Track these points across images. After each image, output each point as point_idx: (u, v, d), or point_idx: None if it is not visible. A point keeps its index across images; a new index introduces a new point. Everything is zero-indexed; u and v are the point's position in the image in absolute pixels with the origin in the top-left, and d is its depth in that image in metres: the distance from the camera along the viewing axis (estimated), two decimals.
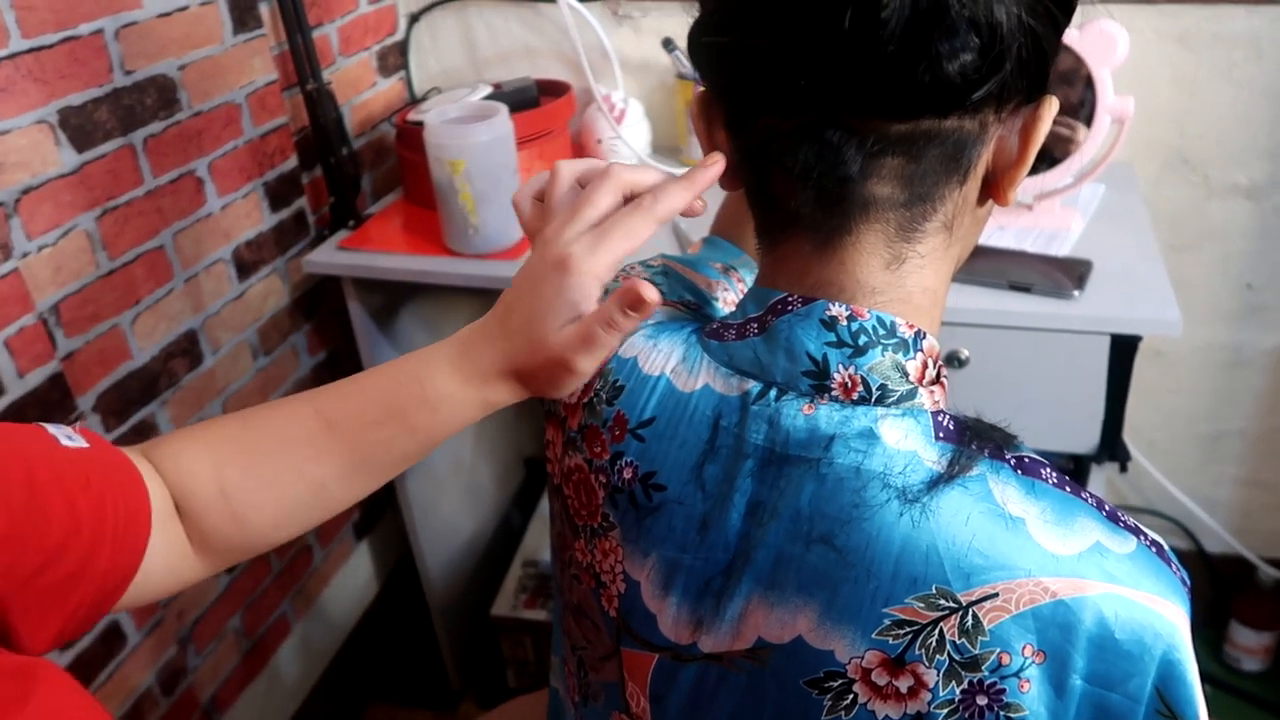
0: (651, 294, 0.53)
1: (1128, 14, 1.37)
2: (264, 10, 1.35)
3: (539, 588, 1.79)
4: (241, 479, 0.61)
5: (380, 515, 1.83)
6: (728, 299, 0.72)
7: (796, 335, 0.52)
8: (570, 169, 0.61)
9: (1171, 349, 1.62)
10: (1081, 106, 1.21)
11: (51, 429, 0.54)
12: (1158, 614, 0.46)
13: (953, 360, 1.15)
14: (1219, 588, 1.76)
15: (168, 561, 0.59)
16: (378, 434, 0.62)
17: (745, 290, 0.72)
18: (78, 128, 1.06)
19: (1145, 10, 1.38)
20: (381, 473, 0.64)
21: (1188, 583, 0.50)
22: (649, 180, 0.59)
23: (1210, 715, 0.48)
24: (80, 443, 0.55)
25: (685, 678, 0.58)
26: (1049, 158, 1.25)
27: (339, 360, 1.62)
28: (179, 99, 1.21)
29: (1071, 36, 1.16)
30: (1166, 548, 0.51)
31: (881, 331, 0.51)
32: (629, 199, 0.58)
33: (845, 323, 0.51)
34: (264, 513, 0.62)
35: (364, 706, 1.79)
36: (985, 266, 1.15)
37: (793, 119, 0.49)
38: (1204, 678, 0.49)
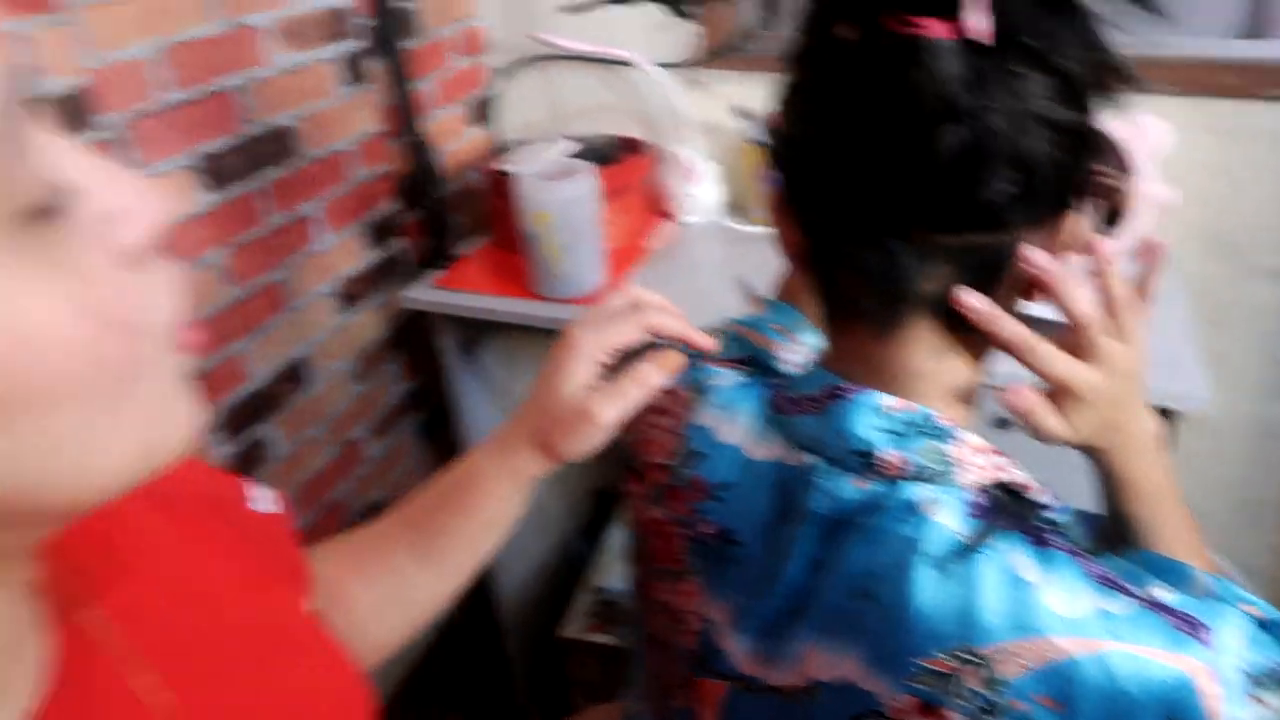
0: (670, 369, 0.67)
1: (1171, 106, 1.43)
2: (372, 66, 1.48)
3: (605, 613, 1.87)
4: (345, 567, 0.69)
5: None
6: (787, 359, 0.80)
7: (850, 419, 0.59)
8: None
9: (1211, 419, 1.66)
10: (1120, 182, 1.28)
11: (248, 488, 0.62)
12: (1161, 664, 0.51)
13: (1002, 423, 1.22)
14: None
15: None
16: (437, 518, 0.70)
17: (803, 350, 0.80)
18: (213, 172, 1.20)
19: (1186, 103, 1.45)
20: (451, 558, 0.70)
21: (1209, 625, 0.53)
22: (657, 300, 0.71)
23: None
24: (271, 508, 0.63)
25: (752, 706, 0.66)
26: (1106, 213, 1.31)
27: (427, 389, 1.74)
28: (295, 147, 1.34)
29: (1116, 125, 1.23)
30: (1173, 602, 0.55)
31: (921, 421, 0.59)
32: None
33: (892, 411, 0.59)
34: (359, 603, 0.68)
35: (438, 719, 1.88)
36: None
37: (858, 228, 0.57)
38: None
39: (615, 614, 1.86)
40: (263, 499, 0.63)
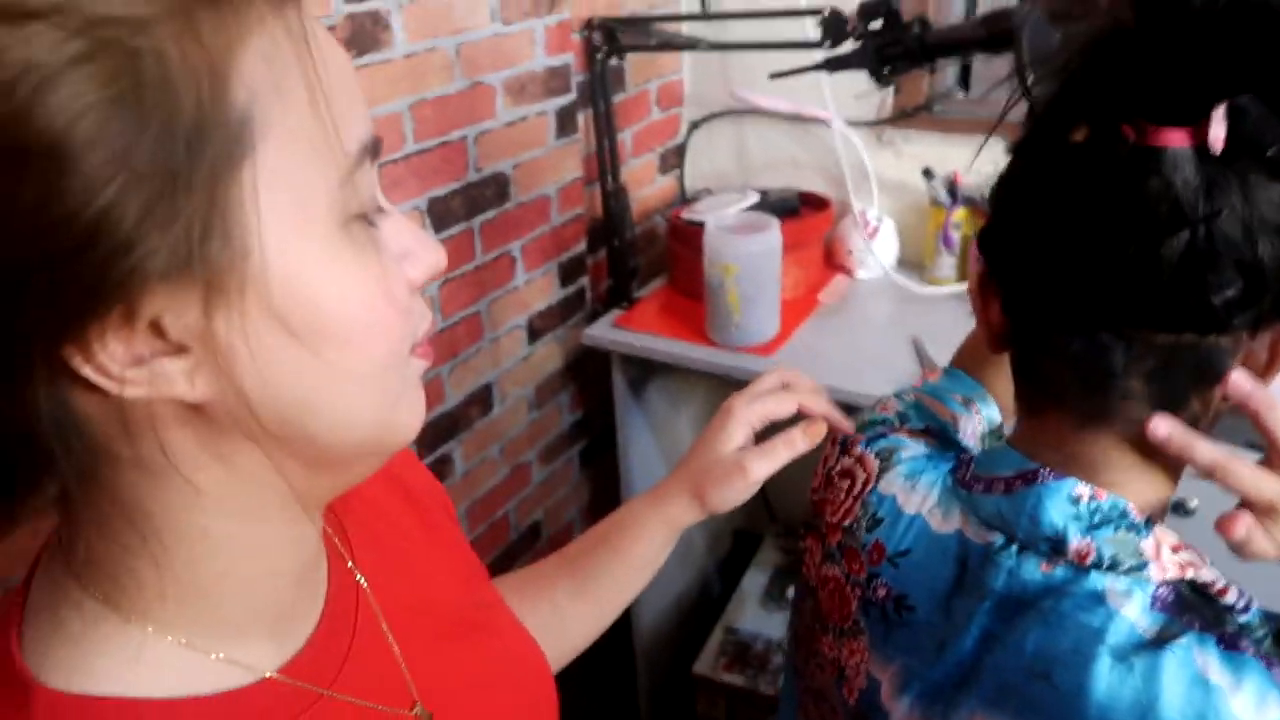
0: (824, 430, 0.74)
1: None
2: (580, 118, 1.58)
3: (738, 654, 1.91)
4: (512, 596, 0.76)
5: None
6: (968, 431, 0.82)
7: (1043, 505, 0.60)
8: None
9: None
10: None
11: None
12: None
13: (1179, 508, 1.20)
14: None
15: None
16: (593, 557, 0.79)
17: (982, 421, 0.82)
18: (439, 214, 1.31)
19: None
20: (603, 594, 0.79)
21: None
22: (808, 384, 0.79)
23: None
24: None
25: None
26: None
27: (591, 419, 1.82)
28: (509, 192, 1.44)
29: None
30: None
31: (1116, 513, 0.59)
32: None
33: (1087, 501, 0.59)
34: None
35: None
36: (1221, 423, 1.20)
37: (1069, 317, 0.57)
38: None
39: (747, 655, 1.90)
40: None
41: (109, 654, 0.40)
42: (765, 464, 0.75)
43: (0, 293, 0.32)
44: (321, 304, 0.37)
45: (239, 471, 0.40)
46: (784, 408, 0.78)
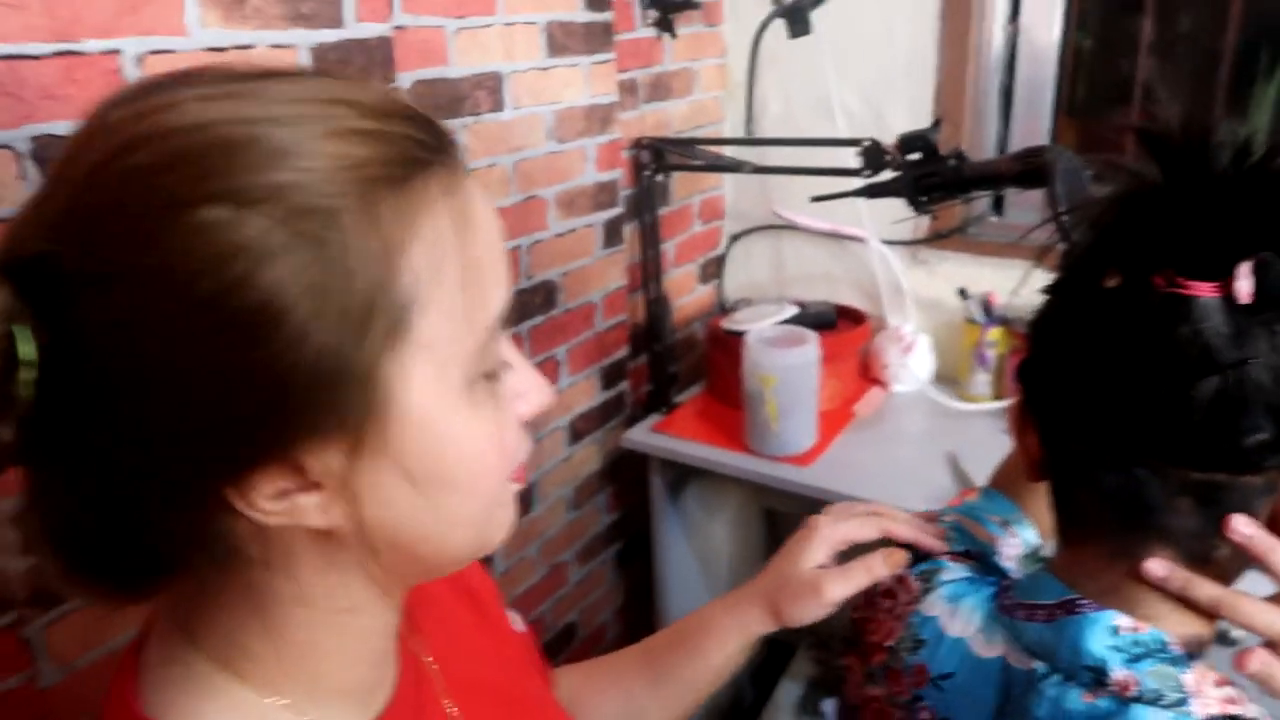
0: (904, 559, 0.74)
1: None
2: (626, 230, 1.65)
3: None
4: (582, 683, 0.81)
5: None
6: (1007, 553, 0.82)
7: (1084, 636, 0.61)
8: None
9: None
10: None
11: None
12: None
13: (1222, 638, 1.19)
14: None
15: None
16: (672, 655, 0.81)
17: (1019, 544, 0.82)
18: None
19: None
20: (678, 691, 0.80)
21: None
22: (900, 515, 0.81)
23: None
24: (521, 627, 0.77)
25: None
26: None
27: (628, 521, 1.84)
28: (556, 299, 1.50)
29: None
30: None
31: (1156, 646, 0.59)
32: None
33: (1127, 632, 0.60)
34: (598, 708, 0.81)
35: None
36: None
37: (1104, 451, 0.59)
38: None
39: None
40: (514, 619, 0.76)
41: (223, 709, 0.45)
42: (842, 587, 0.75)
43: (187, 441, 0.37)
44: (443, 457, 0.42)
45: (345, 574, 0.45)
46: (867, 531, 0.79)
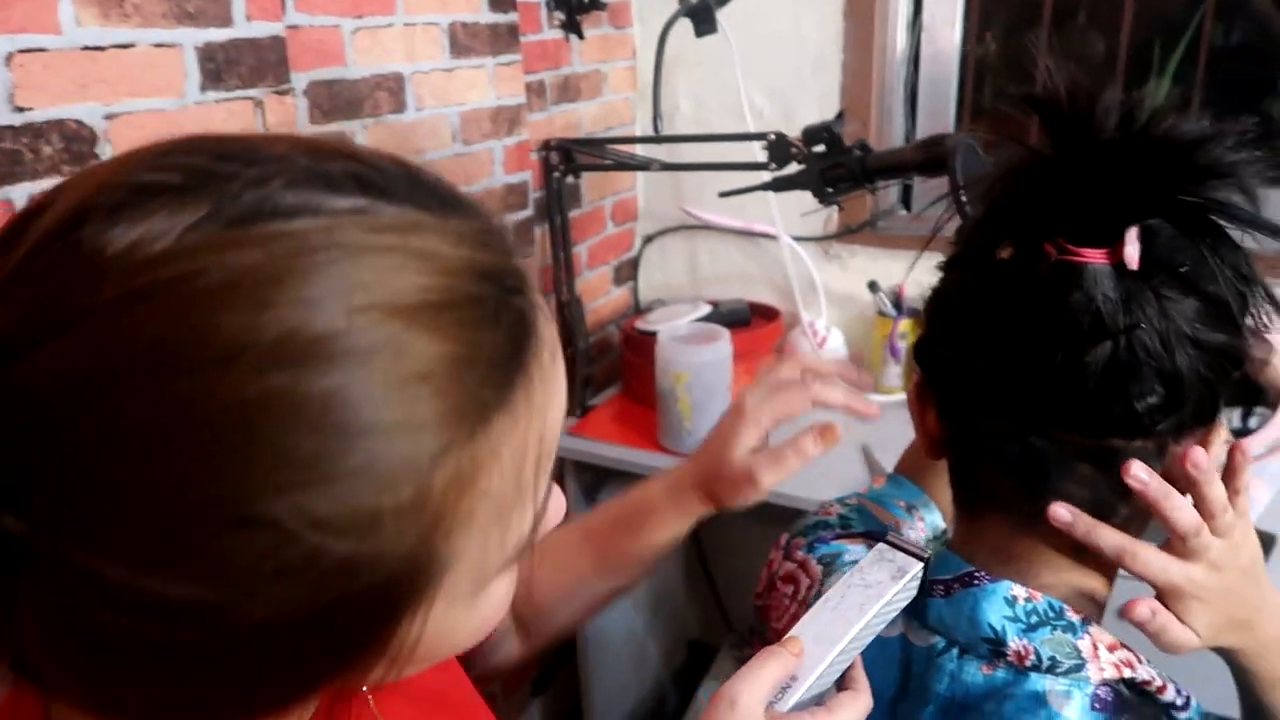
0: (838, 433, 0.73)
1: None
2: (536, 232, 1.63)
3: None
4: (537, 568, 0.80)
5: (553, 677, 1.98)
6: (911, 536, 0.86)
7: (980, 608, 0.62)
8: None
9: None
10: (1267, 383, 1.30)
11: None
12: None
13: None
14: None
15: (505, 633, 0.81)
16: (614, 536, 0.81)
17: (925, 528, 0.84)
18: None
19: None
20: (623, 571, 0.82)
21: None
22: (824, 367, 0.79)
23: None
24: None
25: None
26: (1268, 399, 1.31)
27: None
28: None
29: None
30: None
31: (1051, 614, 0.60)
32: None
33: (1023, 602, 0.61)
34: (549, 592, 0.82)
35: None
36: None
37: (1004, 424, 0.60)
38: None
39: None
40: None
41: None
42: (775, 474, 0.75)
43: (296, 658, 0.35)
44: (453, 644, 0.41)
45: None
46: (797, 405, 0.77)
